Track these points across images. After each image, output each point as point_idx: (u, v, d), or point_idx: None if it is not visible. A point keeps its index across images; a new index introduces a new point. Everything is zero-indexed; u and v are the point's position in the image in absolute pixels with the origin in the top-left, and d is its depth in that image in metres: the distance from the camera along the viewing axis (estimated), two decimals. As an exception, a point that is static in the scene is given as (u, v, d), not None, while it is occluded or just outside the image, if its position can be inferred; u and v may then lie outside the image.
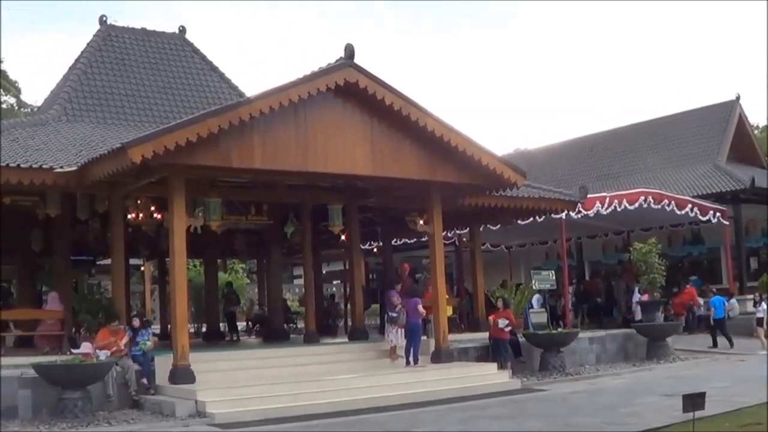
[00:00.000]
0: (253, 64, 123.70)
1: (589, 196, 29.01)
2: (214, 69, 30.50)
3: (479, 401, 19.08)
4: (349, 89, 20.06)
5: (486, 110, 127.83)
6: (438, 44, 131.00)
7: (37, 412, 17.54)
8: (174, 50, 30.61)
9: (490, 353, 23.70)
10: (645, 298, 30.19)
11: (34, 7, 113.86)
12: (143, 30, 30.72)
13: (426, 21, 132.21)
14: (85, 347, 18.91)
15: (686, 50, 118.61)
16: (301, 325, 33.32)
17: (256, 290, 42.69)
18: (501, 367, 22.63)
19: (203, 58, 30.81)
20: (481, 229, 29.69)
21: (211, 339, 30.67)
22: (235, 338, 32.47)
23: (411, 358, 22.18)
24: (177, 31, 31.42)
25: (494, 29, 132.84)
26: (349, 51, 19.87)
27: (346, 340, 26.10)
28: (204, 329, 33.38)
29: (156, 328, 31.67)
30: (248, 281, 49.72)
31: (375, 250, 35.84)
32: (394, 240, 33.28)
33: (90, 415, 17.13)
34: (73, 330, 22.24)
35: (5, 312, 23.26)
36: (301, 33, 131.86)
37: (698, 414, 13.29)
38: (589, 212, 30.04)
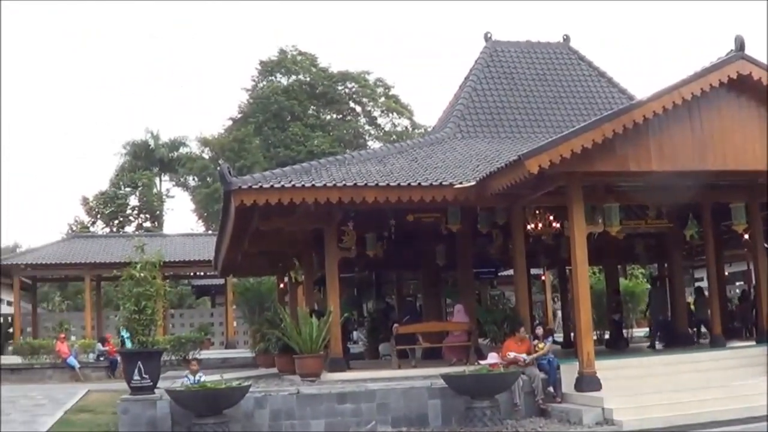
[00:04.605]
0: (632, 64, 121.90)
1: None
2: (602, 74, 30.31)
3: None
4: (742, 82, 19.31)
5: None
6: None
7: (447, 421, 18.21)
8: (560, 59, 30.73)
9: None
10: None
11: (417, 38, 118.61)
12: (528, 42, 31.17)
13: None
14: (492, 357, 19.39)
15: None
16: (704, 329, 32.27)
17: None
18: None
19: (590, 64, 30.70)
20: None
21: (614, 346, 30.42)
22: (622, 345, 31.98)
23: (830, 361, 20.96)
24: (561, 40, 31.58)
25: None
26: (739, 42, 19.20)
27: (754, 343, 25.04)
28: (606, 336, 33.16)
29: (558, 336, 31.86)
30: (649, 286, 48.79)
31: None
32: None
33: (498, 424, 17.49)
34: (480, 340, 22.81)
35: (414, 325, 24.29)
36: (678, 28, 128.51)
37: None
38: None
